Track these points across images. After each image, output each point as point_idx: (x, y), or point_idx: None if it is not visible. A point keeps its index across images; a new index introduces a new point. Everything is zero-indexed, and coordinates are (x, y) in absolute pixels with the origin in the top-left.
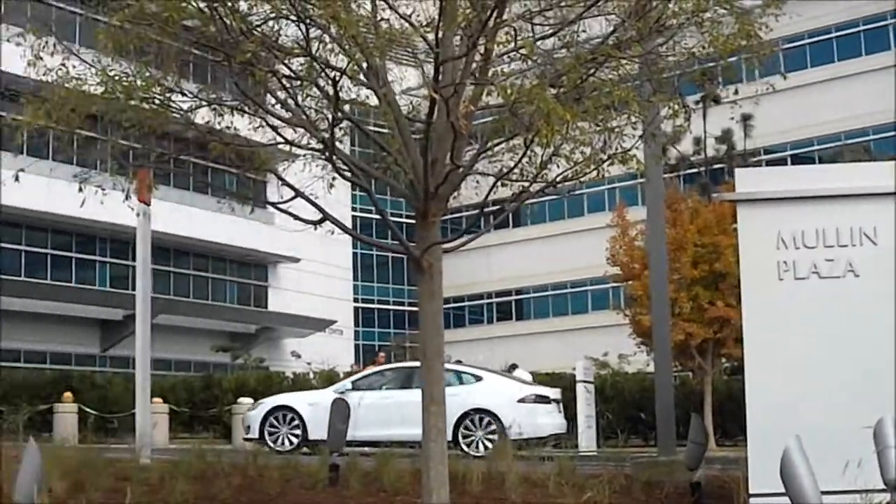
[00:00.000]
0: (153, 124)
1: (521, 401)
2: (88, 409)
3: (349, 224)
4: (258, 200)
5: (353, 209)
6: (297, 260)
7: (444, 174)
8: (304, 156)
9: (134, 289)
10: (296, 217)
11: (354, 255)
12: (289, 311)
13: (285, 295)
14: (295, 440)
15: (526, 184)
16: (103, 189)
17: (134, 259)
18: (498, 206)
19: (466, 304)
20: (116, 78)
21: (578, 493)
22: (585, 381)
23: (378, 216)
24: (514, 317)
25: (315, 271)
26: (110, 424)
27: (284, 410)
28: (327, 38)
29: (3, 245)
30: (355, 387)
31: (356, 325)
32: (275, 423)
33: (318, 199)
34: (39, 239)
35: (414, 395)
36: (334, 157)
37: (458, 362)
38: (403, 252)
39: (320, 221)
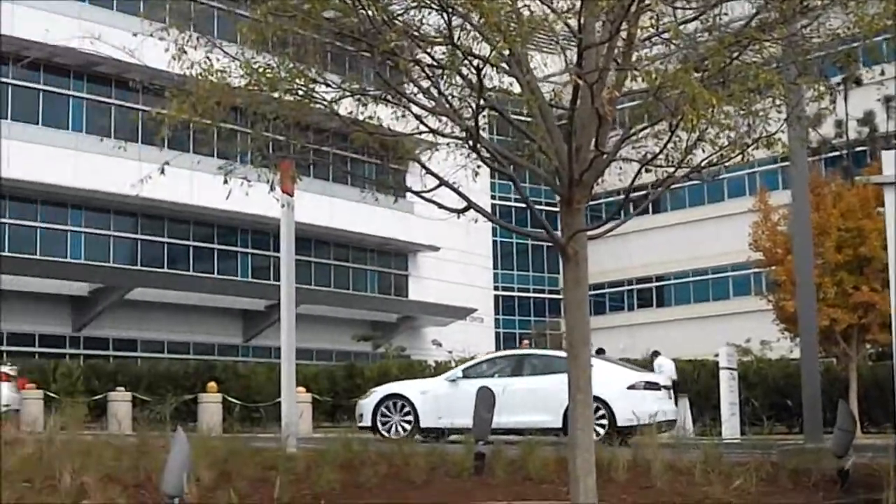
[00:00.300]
0: (296, 116)
1: (631, 387)
2: (232, 399)
3: (489, 212)
4: (400, 190)
5: (493, 197)
6: (437, 249)
7: (588, 161)
8: (448, 144)
9: (275, 279)
10: (440, 206)
11: (494, 242)
12: (429, 299)
13: (426, 284)
14: (407, 428)
15: (671, 169)
16: (248, 181)
17: (275, 249)
18: (642, 192)
19: (607, 290)
20: (260, 70)
21: (725, 481)
22: (729, 368)
23: (519, 204)
24: (655, 303)
25: (455, 260)
26: (254, 414)
27: (396, 399)
28: (469, 26)
29: (147, 238)
30: (466, 375)
31: (496, 313)
32: (387, 411)
33: (459, 188)
34: (182, 231)
35: (524, 383)
36: (478, 146)
37: (601, 350)
38: (548, 240)
39: (464, 210)
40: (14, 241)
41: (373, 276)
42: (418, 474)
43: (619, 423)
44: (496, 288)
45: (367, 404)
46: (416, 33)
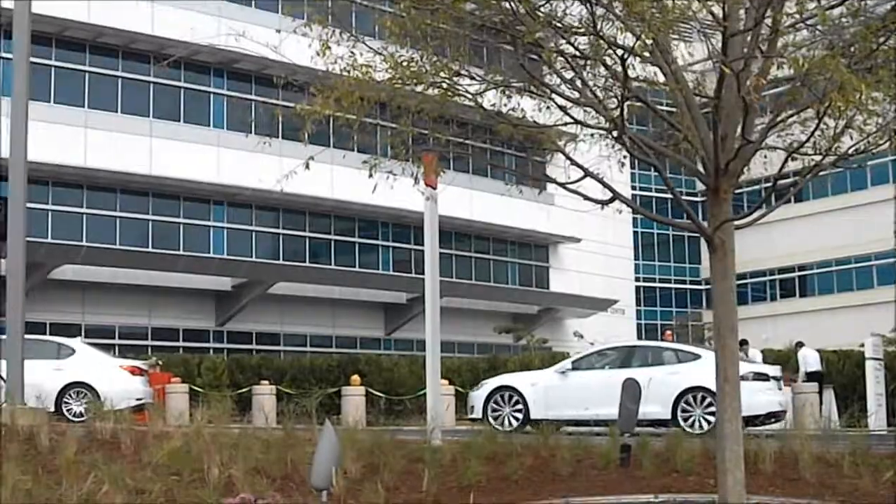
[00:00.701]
0: (439, 109)
1: (741, 378)
2: (376, 392)
3: (633, 202)
4: (544, 181)
5: (633, 188)
6: (577, 240)
7: (734, 149)
8: (592, 135)
9: (416, 272)
10: (585, 197)
11: (635, 233)
12: (570, 291)
13: (567, 275)
14: (517, 419)
15: (817, 157)
16: (394, 174)
17: (416, 243)
18: (789, 181)
19: (749, 280)
20: (404, 64)
21: (875, 474)
22: (875, 359)
23: (660, 194)
24: (798, 293)
25: (596, 251)
26: (396, 406)
27: (507, 390)
28: (612, 16)
29: (289, 232)
30: (575, 366)
31: (638, 304)
32: (497, 402)
33: (603, 179)
34: (323, 225)
35: (633, 375)
36: (624, 136)
37: (744, 342)
38: (691, 230)
39: (609, 201)
40: (158, 238)
41: (514, 268)
42: (564, 466)
43: None
44: (637, 279)
45: (478, 396)
46: (558, 24)
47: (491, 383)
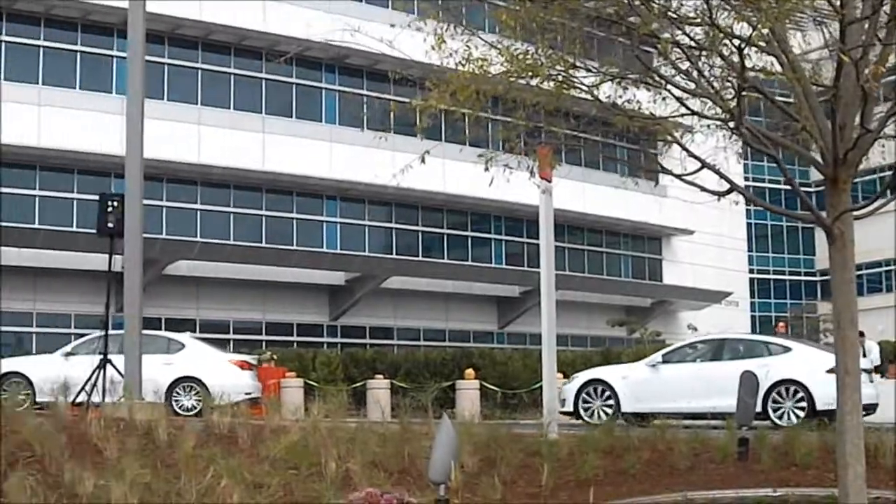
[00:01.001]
0: (555, 102)
1: (831, 371)
2: (490, 386)
3: (750, 194)
4: (660, 173)
5: (746, 179)
6: (691, 232)
7: (853, 139)
8: (709, 126)
9: (529, 266)
10: (701, 188)
11: (748, 224)
12: (683, 283)
13: (680, 267)
14: (608, 413)
15: None
16: (510, 168)
17: (528, 236)
18: None
19: (864, 272)
20: (520, 57)
21: None
22: None
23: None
24: None
25: (709, 243)
26: (511, 400)
27: (597, 384)
28: (728, 6)
29: (402, 226)
30: (666, 359)
31: (752, 296)
32: (589, 395)
33: (719, 170)
34: (435, 219)
35: (724, 367)
36: (741, 127)
37: (861, 334)
38: (808, 221)
39: (726, 193)
40: (272, 233)
41: (626, 260)
42: (682, 460)
43: (819, 408)
44: (751, 271)
45: (569, 389)
46: (673, 14)
47: (582, 377)
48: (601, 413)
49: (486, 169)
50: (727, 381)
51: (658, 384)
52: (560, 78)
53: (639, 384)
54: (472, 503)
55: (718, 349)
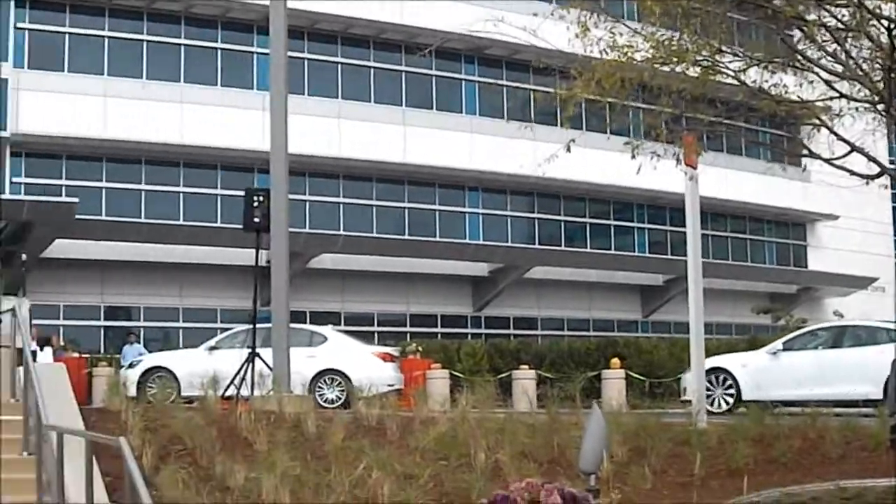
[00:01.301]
0: (701, 88)
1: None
2: (636, 375)
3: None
4: (805, 157)
5: (891, 162)
6: (835, 217)
7: None
8: (857, 109)
9: (672, 254)
10: (851, 172)
11: (894, 209)
12: (828, 269)
13: (824, 253)
14: (729, 401)
15: None
16: (658, 155)
17: (671, 224)
18: None
19: None
20: (665, 43)
21: None
22: None
23: None
24: None
25: (853, 228)
26: (656, 389)
27: (719, 372)
28: None
29: (544, 216)
30: (787, 347)
31: None
32: (710, 384)
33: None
34: (577, 208)
35: (845, 354)
36: (892, 109)
37: None
38: None
39: (877, 176)
40: (414, 225)
41: (770, 247)
42: (833, 448)
43: None
44: None
45: (689, 378)
46: None
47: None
48: (722, 401)
49: (633, 157)
50: (848, 368)
51: (778, 372)
52: (706, 63)
53: (759, 372)
54: (623, 493)
55: (839, 336)
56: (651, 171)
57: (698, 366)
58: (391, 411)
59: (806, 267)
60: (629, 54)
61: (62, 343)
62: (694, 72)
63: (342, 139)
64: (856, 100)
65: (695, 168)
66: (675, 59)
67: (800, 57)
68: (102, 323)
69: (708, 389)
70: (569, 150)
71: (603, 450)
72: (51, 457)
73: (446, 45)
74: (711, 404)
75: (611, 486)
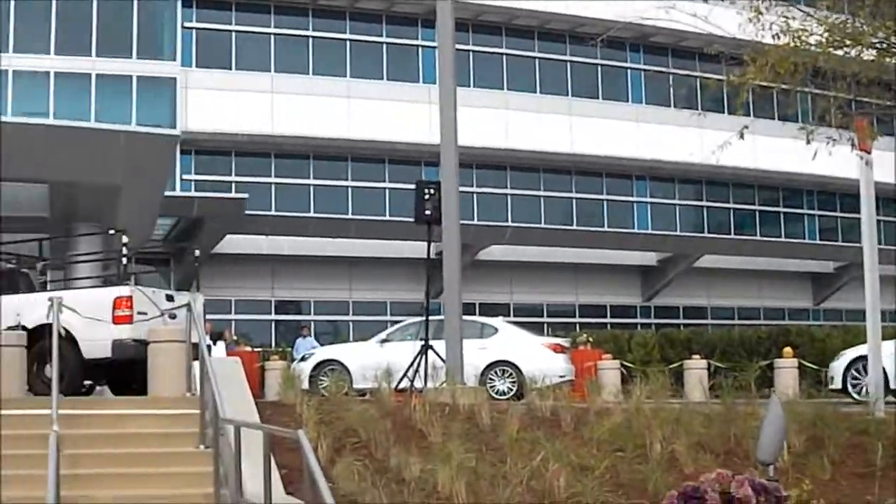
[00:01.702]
0: (877, 71)
1: None
2: (809, 364)
3: None
4: None
5: None
6: None
7: None
8: None
9: (844, 240)
10: None
11: None
12: None
13: None
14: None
15: None
16: (834, 140)
17: (842, 210)
18: None
19: None
20: (840, 26)
21: None
22: None
23: None
24: None
25: None
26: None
27: (865, 361)
28: None
29: (713, 204)
30: None
31: None
32: (858, 372)
33: None
34: (746, 196)
35: None
36: None
37: None
38: None
39: None
40: (582, 215)
41: None
42: None
43: None
44: None
45: (837, 367)
46: None
47: (849, 354)
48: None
49: (808, 142)
50: None
51: None
52: (882, 46)
53: None
54: (802, 484)
55: None
56: (824, 156)
57: (875, 353)
58: (565, 402)
59: None
60: (803, 38)
61: (234, 337)
62: (869, 55)
63: (509, 130)
64: None
65: (869, 153)
66: (849, 42)
67: None
68: (273, 317)
69: (856, 378)
70: (742, 136)
71: (781, 440)
72: (227, 450)
73: (611, 34)
74: (859, 394)
75: (790, 477)
